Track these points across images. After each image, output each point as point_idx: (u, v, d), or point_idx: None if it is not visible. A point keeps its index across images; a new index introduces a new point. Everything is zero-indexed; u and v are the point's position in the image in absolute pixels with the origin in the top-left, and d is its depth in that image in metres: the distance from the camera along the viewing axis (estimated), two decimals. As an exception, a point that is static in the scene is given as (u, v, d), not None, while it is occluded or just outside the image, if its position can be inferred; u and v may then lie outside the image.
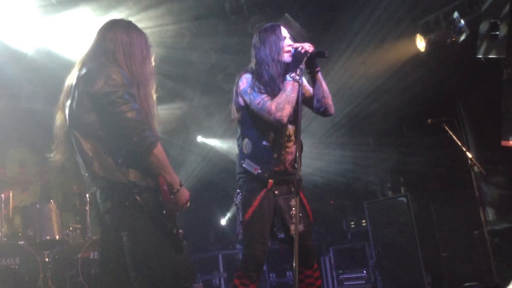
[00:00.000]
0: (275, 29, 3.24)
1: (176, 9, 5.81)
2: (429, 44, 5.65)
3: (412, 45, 5.91)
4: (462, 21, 5.21)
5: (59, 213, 5.86)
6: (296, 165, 3.28)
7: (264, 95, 3.09)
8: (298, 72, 3.03)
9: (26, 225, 5.63)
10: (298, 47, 3.05)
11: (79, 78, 2.47)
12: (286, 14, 6.12)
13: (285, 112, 3.02)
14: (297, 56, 3.05)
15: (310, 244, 3.26)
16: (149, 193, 2.39)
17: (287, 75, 3.06)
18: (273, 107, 3.02)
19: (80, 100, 2.43)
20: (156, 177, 2.40)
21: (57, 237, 5.65)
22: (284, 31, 3.26)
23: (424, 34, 5.71)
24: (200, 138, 9.38)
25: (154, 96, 2.61)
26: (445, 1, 5.63)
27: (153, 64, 2.67)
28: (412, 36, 5.91)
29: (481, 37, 4.99)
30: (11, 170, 6.78)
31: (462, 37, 5.25)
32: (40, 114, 6.58)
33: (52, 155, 2.59)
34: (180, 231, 2.52)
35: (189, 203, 2.54)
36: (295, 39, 3.31)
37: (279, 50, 3.16)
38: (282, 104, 3.01)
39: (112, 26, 2.62)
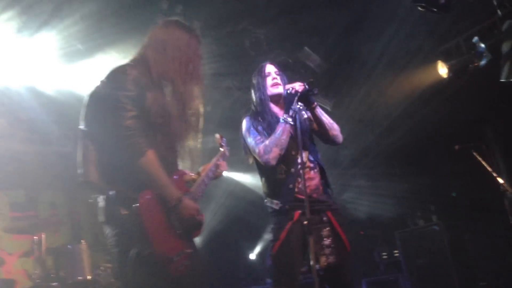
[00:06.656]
0: (260, 70, 3.41)
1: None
2: (451, 70, 5.64)
3: (434, 72, 5.89)
4: (483, 45, 5.18)
5: (90, 253, 5.92)
6: (329, 191, 3.26)
7: (258, 137, 3.19)
8: (290, 113, 3.10)
9: (58, 266, 5.70)
10: (288, 89, 3.16)
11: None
12: (306, 48, 6.18)
13: (272, 155, 3.09)
14: (288, 97, 3.15)
15: (347, 279, 3.15)
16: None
17: (281, 117, 3.14)
18: (262, 150, 3.12)
19: (90, 105, 2.44)
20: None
21: (88, 277, 5.67)
22: (269, 68, 3.40)
23: (445, 60, 5.69)
24: (224, 173, 9.38)
25: (194, 94, 2.54)
26: (464, 27, 5.62)
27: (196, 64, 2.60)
28: (433, 63, 5.89)
29: (503, 60, 4.95)
30: (43, 212, 6.91)
31: (484, 62, 5.21)
32: (69, 156, 6.70)
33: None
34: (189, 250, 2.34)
35: (199, 215, 2.38)
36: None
37: (264, 89, 3.32)
38: (269, 147, 3.10)
39: (159, 25, 2.66)
